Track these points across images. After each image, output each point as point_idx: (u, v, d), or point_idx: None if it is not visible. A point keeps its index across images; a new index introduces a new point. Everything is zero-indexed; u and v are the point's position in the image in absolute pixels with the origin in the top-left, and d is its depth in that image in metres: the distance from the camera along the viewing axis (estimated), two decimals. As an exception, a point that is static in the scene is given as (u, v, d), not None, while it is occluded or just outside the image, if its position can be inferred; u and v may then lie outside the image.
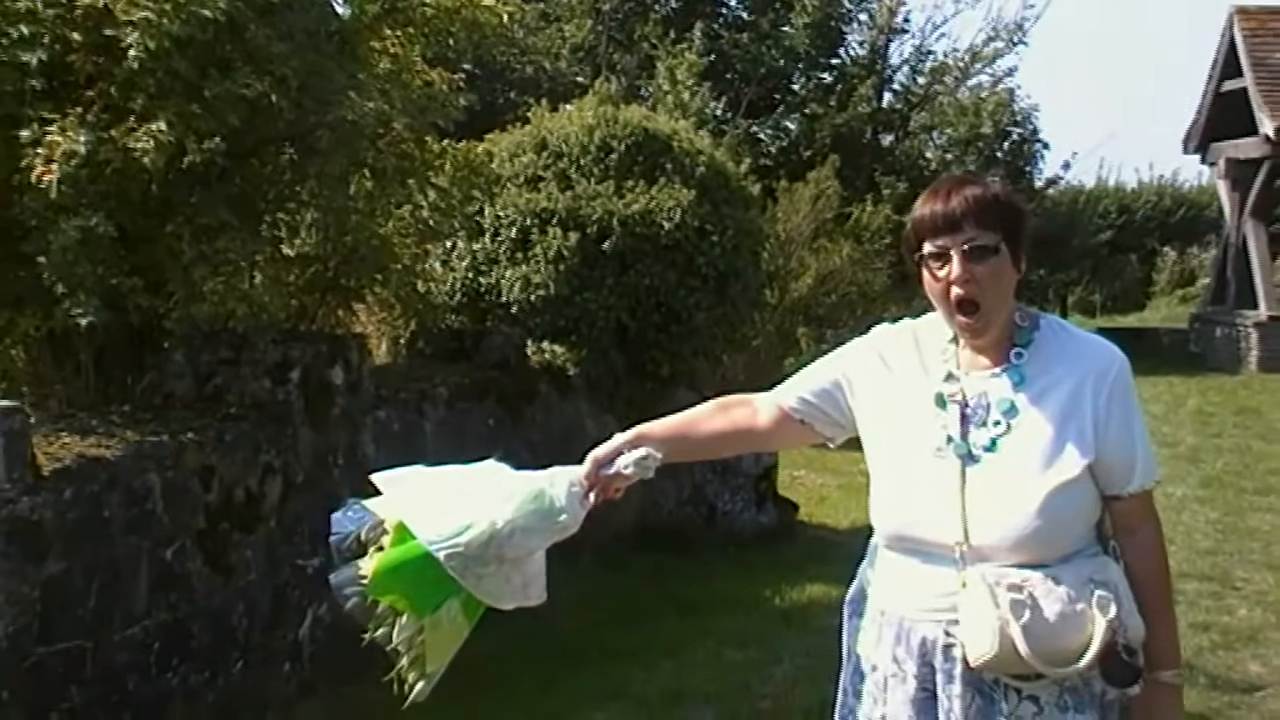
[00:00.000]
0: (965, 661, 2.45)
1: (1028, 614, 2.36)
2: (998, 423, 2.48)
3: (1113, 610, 2.38)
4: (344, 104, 5.07)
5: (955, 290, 2.44)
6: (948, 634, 2.48)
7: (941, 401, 2.53)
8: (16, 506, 3.91)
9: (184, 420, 4.80)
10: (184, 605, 4.57)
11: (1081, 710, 2.46)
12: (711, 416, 2.82)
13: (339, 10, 5.90)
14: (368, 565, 2.49)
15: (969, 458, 2.48)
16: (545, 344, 7.43)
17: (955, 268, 2.43)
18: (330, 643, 5.34)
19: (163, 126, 4.56)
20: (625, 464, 2.63)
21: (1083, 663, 2.38)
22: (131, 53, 4.54)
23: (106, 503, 4.23)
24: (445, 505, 2.52)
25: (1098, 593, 2.39)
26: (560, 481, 2.60)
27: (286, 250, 6.18)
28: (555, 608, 6.88)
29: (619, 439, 2.68)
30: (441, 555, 2.47)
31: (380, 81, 5.71)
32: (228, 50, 4.89)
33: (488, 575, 2.52)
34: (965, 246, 2.42)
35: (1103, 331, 19.28)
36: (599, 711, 5.30)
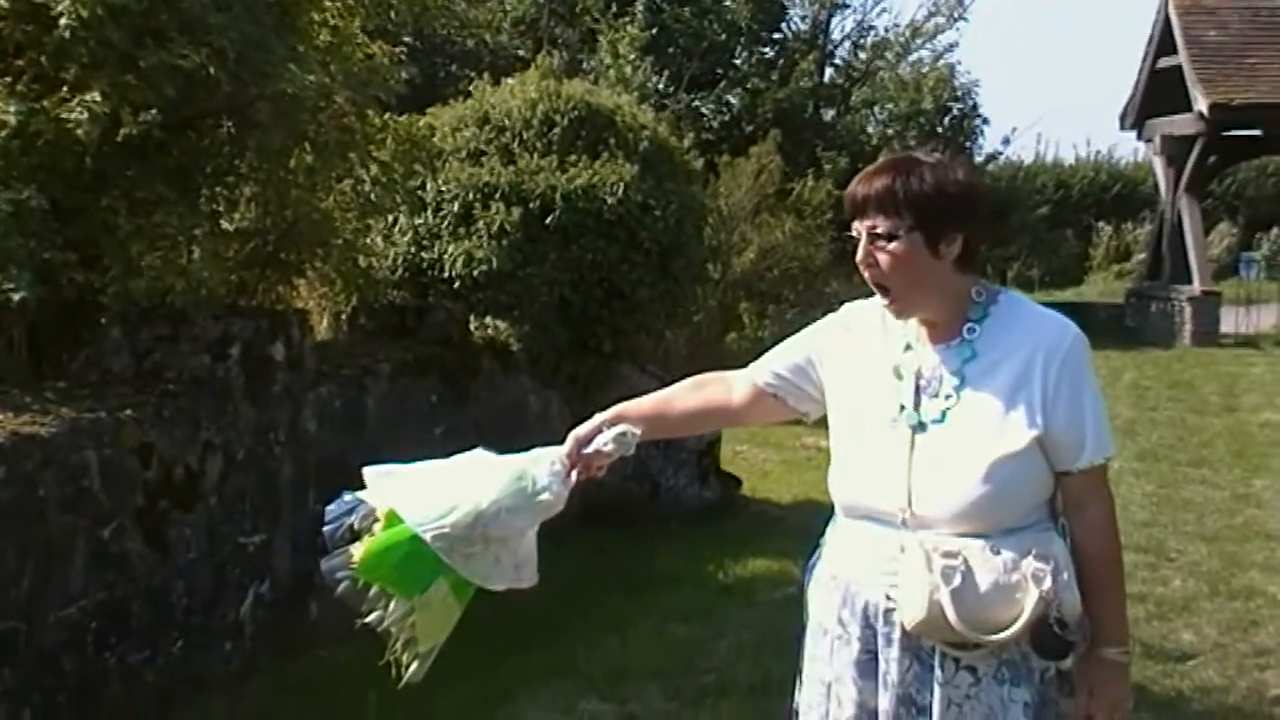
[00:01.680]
0: (904, 627, 2.50)
1: (959, 580, 2.42)
2: (949, 395, 2.53)
3: (1047, 583, 2.42)
4: (283, 76, 4.98)
5: (864, 271, 2.55)
6: (889, 598, 2.54)
7: (898, 373, 2.59)
8: (-52, 485, 3.83)
9: (122, 397, 4.72)
10: (122, 584, 4.50)
11: (1018, 684, 2.50)
12: (688, 394, 2.88)
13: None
14: (358, 550, 2.57)
15: (919, 427, 2.54)
16: (488, 319, 7.39)
17: (860, 251, 2.54)
18: (272, 621, 5.30)
19: (97, 97, 4.47)
20: (605, 441, 2.69)
21: (1009, 632, 2.42)
22: (63, 21, 4.45)
23: (41, 481, 4.15)
24: (432, 490, 2.60)
25: (1034, 565, 2.43)
26: (543, 461, 2.67)
27: (226, 225, 6.09)
28: (499, 583, 6.89)
29: (598, 418, 2.75)
30: (428, 536, 2.54)
31: (321, 54, 5.63)
32: (163, 20, 4.79)
33: (475, 555, 2.59)
34: (866, 232, 2.52)
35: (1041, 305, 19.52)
36: (545, 688, 5.30)
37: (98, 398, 4.65)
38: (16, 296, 4.48)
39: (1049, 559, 2.44)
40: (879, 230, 2.50)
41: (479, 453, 2.73)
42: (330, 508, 2.65)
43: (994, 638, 2.43)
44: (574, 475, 2.69)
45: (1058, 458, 2.51)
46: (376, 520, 2.60)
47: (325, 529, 2.63)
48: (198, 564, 4.89)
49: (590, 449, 2.70)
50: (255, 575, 5.22)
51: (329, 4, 5.90)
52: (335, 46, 5.83)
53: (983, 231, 2.60)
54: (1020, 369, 2.50)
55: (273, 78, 4.98)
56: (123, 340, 5.01)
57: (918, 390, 2.56)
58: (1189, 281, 19.71)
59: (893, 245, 2.49)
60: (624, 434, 2.70)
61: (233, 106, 5.19)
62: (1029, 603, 2.41)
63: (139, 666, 4.61)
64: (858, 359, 2.66)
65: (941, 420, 2.53)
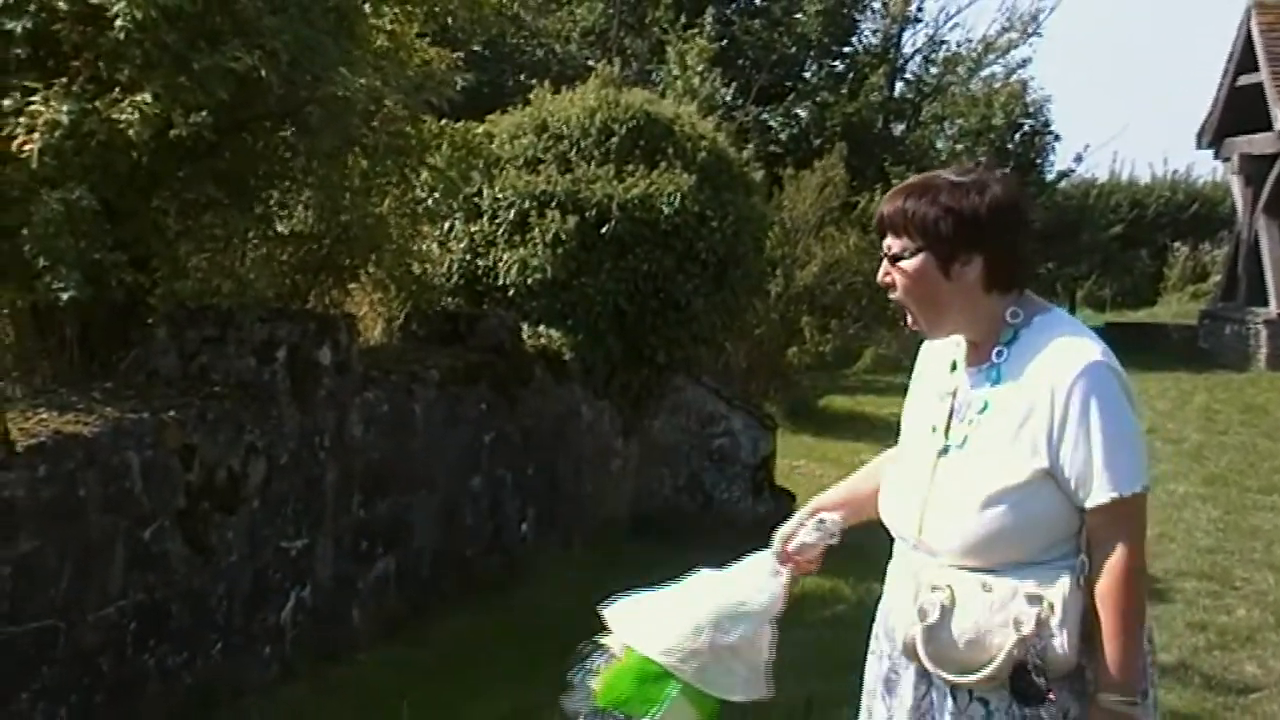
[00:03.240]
0: None
1: (935, 616, 2.42)
2: (971, 421, 2.51)
3: (1028, 627, 2.35)
4: (335, 80, 4.98)
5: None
6: None
7: (942, 395, 2.61)
8: (-12, 483, 3.84)
9: (166, 398, 4.73)
10: (162, 586, 4.50)
11: None
12: (870, 475, 2.91)
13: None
14: (595, 682, 2.78)
15: (943, 451, 2.53)
16: (541, 328, 7.35)
17: (880, 270, 2.58)
18: (312, 626, 5.29)
19: (149, 98, 4.48)
20: (807, 534, 2.81)
21: (981, 674, 2.39)
22: (118, 22, 4.45)
23: (82, 481, 4.15)
24: (660, 615, 2.79)
25: (1020, 607, 2.37)
26: (756, 566, 2.84)
27: (280, 228, 6.12)
28: (544, 590, 6.88)
29: (798, 515, 2.86)
30: (655, 654, 2.73)
31: (375, 58, 5.62)
32: (217, 22, 4.80)
33: (706, 667, 2.72)
34: (884, 251, 2.56)
35: (1111, 326, 19.22)
36: (582, 701, 5.22)
37: (142, 399, 4.66)
38: (65, 296, 4.50)
39: (1041, 600, 2.37)
40: (892, 250, 2.54)
41: (703, 572, 2.86)
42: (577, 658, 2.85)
43: (964, 679, 2.40)
44: (786, 572, 2.79)
45: (1069, 493, 2.42)
46: (615, 658, 2.79)
47: (571, 675, 2.83)
48: (238, 567, 4.89)
49: (795, 544, 2.80)
50: (296, 580, 5.21)
51: (387, 9, 5.90)
52: (391, 51, 5.83)
53: (1011, 251, 2.52)
54: (1032, 398, 2.43)
55: (324, 81, 4.97)
56: (169, 341, 5.03)
57: (951, 413, 2.56)
58: (1265, 304, 19.30)
59: (904, 265, 2.52)
60: (822, 522, 2.80)
61: (284, 109, 5.19)
62: (1006, 646, 2.36)
63: (177, 669, 4.61)
64: (926, 379, 2.70)
65: (962, 446, 2.51)
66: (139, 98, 4.48)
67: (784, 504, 8.53)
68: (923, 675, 2.52)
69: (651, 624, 2.77)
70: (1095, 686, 2.41)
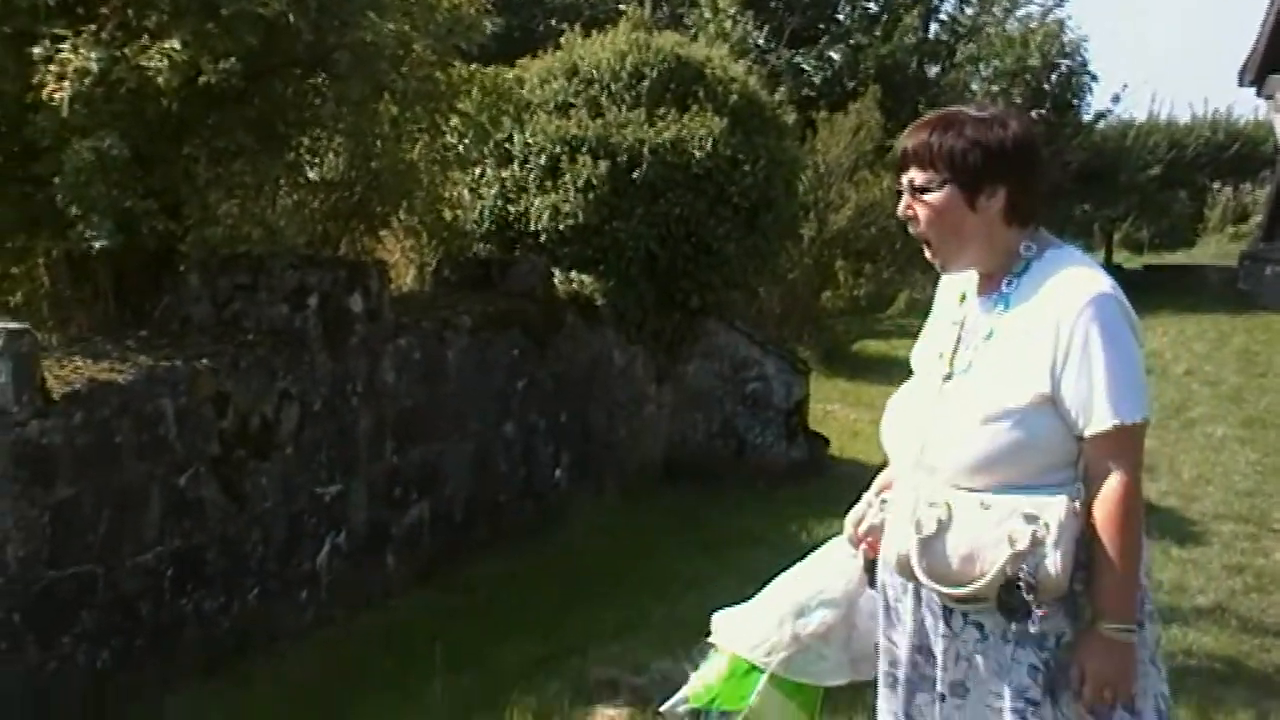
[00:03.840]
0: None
1: (932, 528, 2.45)
2: (977, 347, 2.56)
3: (1022, 543, 2.38)
4: (362, 25, 4.95)
5: (908, 224, 2.62)
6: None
7: (951, 324, 2.65)
8: (25, 430, 3.88)
9: (199, 346, 4.75)
10: (198, 533, 4.55)
11: (1024, 645, 2.47)
12: None
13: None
14: (692, 685, 2.90)
15: (948, 377, 2.58)
16: (573, 274, 7.33)
17: (900, 204, 2.60)
18: (347, 571, 5.33)
19: (177, 45, 4.47)
20: (875, 514, 2.77)
21: (972, 587, 2.41)
22: (146, -31, 4.44)
23: (118, 428, 4.19)
24: (750, 614, 2.90)
25: (1015, 525, 2.40)
26: (831, 554, 2.87)
27: (311, 175, 6.11)
28: (576, 535, 6.91)
29: (866, 496, 2.83)
30: (743, 649, 2.83)
31: (404, 3, 5.59)
32: (246, -32, 4.77)
33: (792, 657, 2.81)
34: (907, 185, 2.58)
35: (1149, 269, 18.92)
36: (615, 644, 5.25)
37: (176, 347, 4.69)
38: (98, 245, 4.53)
39: (1037, 519, 2.39)
40: (917, 183, 2.55)
41: (791, 570, 2.94)
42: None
43: (955, 590, 2.44)
44: (861, 554, 2.79)
45: (1069, 420, 2.45)
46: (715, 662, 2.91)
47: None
48: (273, 513, 4.93)
49: (864, 527, 2.78)
50: (331, 525, 5.25)
51: (416, -47, 5.84)
52: (421, -3, 5.79)
53: (1031, 185, 2.56)
54: (1037, 325, 2.47)
55: (352, 26, 4.95)
56: (201, 289, 5.05)
57: (959, 341, 2.60)
58: (1306, 245, 19.05)
59: (929, 197, 2.54)
60: (886, 502, 2.76)
61: (313, 56, 5.17)
62: (999, 561, 2.39)
63: (214, 614, 4.66)
64: (938, 311, 2.74)
65: (966, 371, 2.55)
66: (168, 45, 4.48)
67: (817, 449, 8.55)
68: (919, 600, 2.57)
69: (741, 624, 2.88)
70: (1091, 614, 2.45)
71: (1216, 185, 28.89)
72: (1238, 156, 29.04)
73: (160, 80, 4.45)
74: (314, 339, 5.12)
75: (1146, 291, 14.37)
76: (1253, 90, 21.56)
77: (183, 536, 4.48)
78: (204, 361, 4.61)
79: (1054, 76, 20.31)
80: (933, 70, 21.02)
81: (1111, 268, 18.73)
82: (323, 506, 5.21)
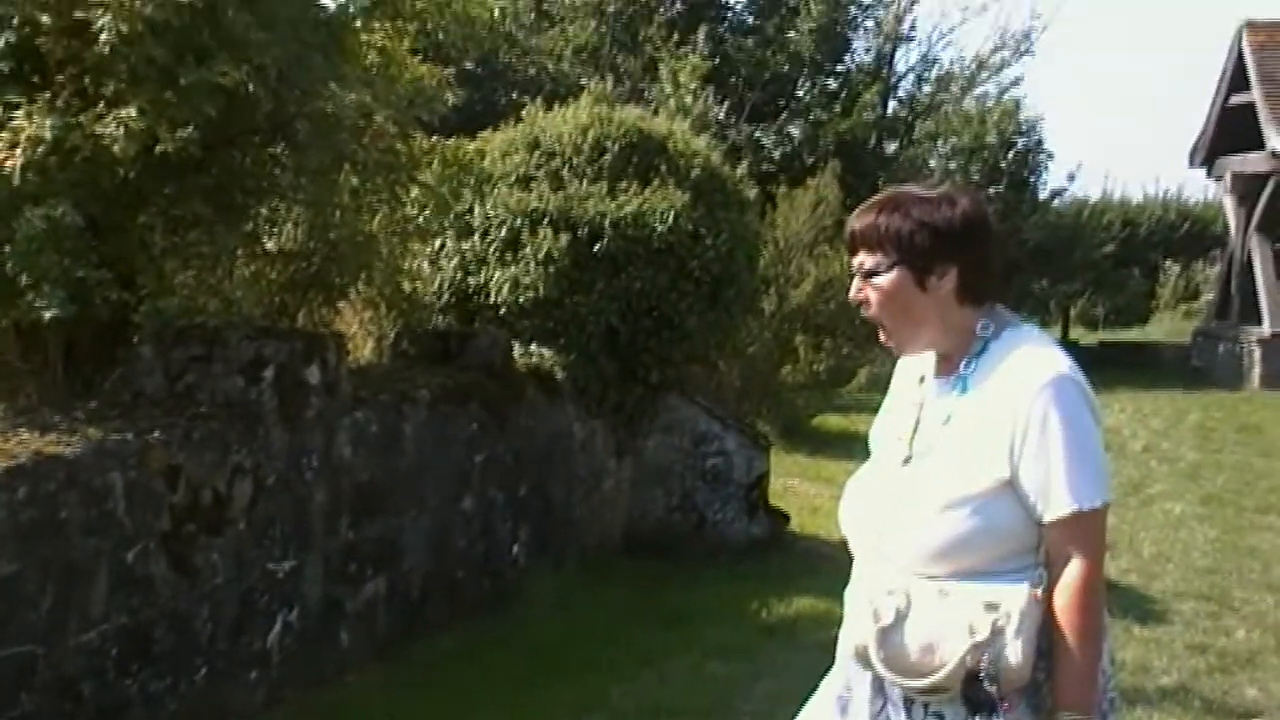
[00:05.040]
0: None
1: (889, 619, 2.40)
2: (936, 431, 2.51)
3: (981, 635, 2.34)
4: (324, 95, 4.92)
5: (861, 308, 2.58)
6: None
7: (909, 406, 2.60)
8: (-33, 505, 3.76)
9: (151, 418, 4.64)
10: (145, 609, 4.41)
11: None
12: None
13: (327, 2, 5.75)
14: None
15: (906, 460, 2.53)
16: (533, 347, 7.28)
17: (852, 288, 2.56)
18: (300, 650, 5.20)
19: (134, 113, 4.40)
20: None
21: (931, 680, 2.37)
22: (103, 36, 4.38)
23: (64, 502, 4.06)
24: None
25: (975, 615, 2.36)
26: None
27: (268, 245, 6.05)
28: (535, 612, 6.80)
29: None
30: None
31: (366, 74, 5.57)
32: (205, 36, 4.73)
33: None
34: (855, 267, 2.54)
35: (1105, 346, 19.24)
36: (573, 725, 5.15)
37: (127, 419, 4.57)
38: (49, 314, 4.42)
39: (997, 608, 2.35)
40: (866, 267, 2.52)
41: None
42: None
43: (914, 683, 2.39)
44: None
45: (1029, 506, 2.41)
46: None
47: None
48: (224, 590, 4.80)
49: None
50: (284, 602, 5.13)
51: (378, 25, 5.84)
52: (382, 67, 5.78)
53: (984, 264, 2.53)
54: (995, 409, 2.43)
55: (313, 96, 4.91)
56: (155, 360, 4.94)
57: (917, 424, 2.55)
58: (1258, 323, 19.30)
59: (879, 281, 2.50)
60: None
61: (274, 125, 5.12)
62: (959, 652, 2.34)
63: (161, 694, 4.51)
64: (896, 390, 2.69)
65: (925, 455, 2.50)
66: (124, 113, 4.41)
67: (778, 525, 8.49)
68: (878, 690, 2.50)
69: None
70: (1052, 703, 2.39)
71: (1168, 263, 29.36)
72: (1188, 235, 29.58)
73: (116, 148, 4.38)
74: (269, 412, 5.02)
75: (1103, 368, 14.50)
76: (1203, 171, 21.97)
77: (129, 614, 4.35)
78: (155, 434, 4.50)
79: (1011, 154, 20.63)
80: (891, 146, 21.29)
81: (1068, 344, 18.91)
82: (275, 583, 5.08)
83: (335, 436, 5.43)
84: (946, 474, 2.43)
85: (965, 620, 2.36)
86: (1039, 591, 2.38)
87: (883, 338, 2.60)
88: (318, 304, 6.52)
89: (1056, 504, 2.38)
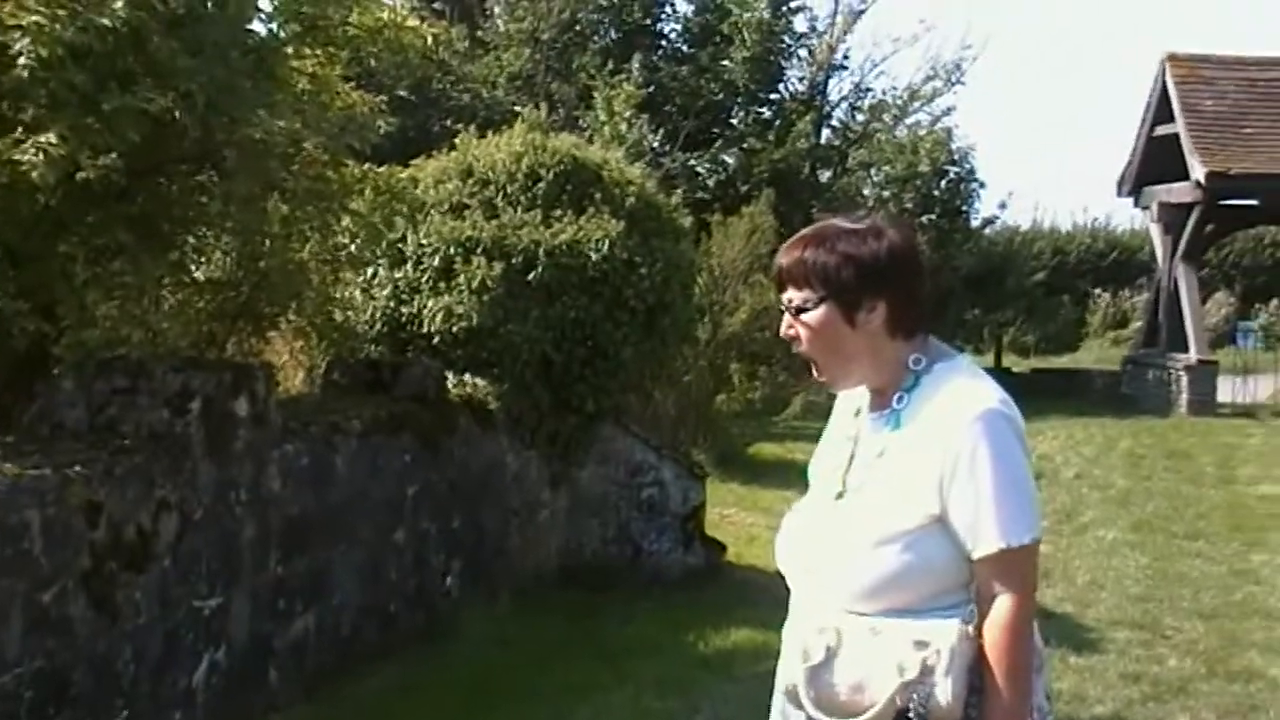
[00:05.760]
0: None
1: (818, 658, 2.37)
2: (869, 466, 2.48)
3: (911, 673, 2.31)
4: (253, 122, 4.82)
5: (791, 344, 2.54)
6: None
7: (843, 440, 2.57)
8: (-124, 544, 3.62)
9: (71, 453, 4.51)
10: (63, 651, 4.27)
11: None
12: None
13: (257, 28, 5.66)
14: None
15: (839, 496, 2.49)
16: (466, 377, 7.20)
17: (783, 324, 2.52)
18: (227, 688, 5.07)
19: (54, 139, 4.29)
20: None
21: (863, 718, 2.33)
22: (22, 60, 4.27)
23: (-22, 541, 3.93)
24: None
25: (907, 652, 2.33)
26: None
27: (196, 274, 5.94)
28: (469, 645, 6.69)
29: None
30: None
31: (296, 101, 5.48)
32: (129, 62, 4.63)
33: None
34: (785, 303, 2.51)
35: (1037, 373, 19.41)
36: (508, 763, 5.06)
37: (45, 454, 4.44)
38: (-38, 346, 4.30)
39: (927, 645, 2.33)
40: (794, 303, 2.48)
41: None
42: None
43: None
44: None
45: (959, 542, 2.38)
46: None
47: None
48: (147, 629, 4.66)
49: None
50: (210, 640, 4.99)
51: (309, 52, 5.76)
52: (313, 94, 5.69)
53: (913, 296, 2.50)
54: (926, 444, 2.40)
55: (242, 123, 4.82)
56: (77, 393, 4.81)
57: (851, 459, 2.51)
58: (1185, 350, 19.57)
59: (807, 317, 2.47)
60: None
61: (201, 152, 5.02)
62: (888, 691, 2.32)
63: (80, 738, 4.37)
64: (834, 423, 2.65)
65: (858, 491, 2.47)
66: (44, 138, 4.30)
67: (714, 555, 8.44)
68: None
69: None
70: None
71: (1097, 291, 29.79)
72: (1116, 264, 30.08)
73: (35, 175, 4.26)
74: (196, 444, 4.90)
75: (1035, 395, 14.61)
76: (1130, 200, 22.30)
77: (46, 656, 4.20)
78: (76, 469, 4.36)
79: (943, 182, 20.83)
80: (825, 175, 21.41)
81: (1001, 371, 19.09)
82: (201, 620, 4.95)
83: (264, 469, 5.32)
84: (878, 510, 2.40)
85: (895, 659, 2.33)
86: (970, 628, 2.36)
87: (815, 373, 2.56)
88: (247, 334, 6.43)
89: (985, 540, 2.35)
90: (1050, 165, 57.79)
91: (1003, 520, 2.34)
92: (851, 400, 2.61)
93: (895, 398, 2.48)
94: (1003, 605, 2.36)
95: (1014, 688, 2.35)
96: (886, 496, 2.40)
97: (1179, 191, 19.93)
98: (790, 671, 2.43)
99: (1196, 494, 12.18)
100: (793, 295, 2.48)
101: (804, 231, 2.55)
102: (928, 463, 2.37)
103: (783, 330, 2.53)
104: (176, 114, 4.59)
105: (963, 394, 2.42)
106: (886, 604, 2.37)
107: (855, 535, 2.40)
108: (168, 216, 5.25)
